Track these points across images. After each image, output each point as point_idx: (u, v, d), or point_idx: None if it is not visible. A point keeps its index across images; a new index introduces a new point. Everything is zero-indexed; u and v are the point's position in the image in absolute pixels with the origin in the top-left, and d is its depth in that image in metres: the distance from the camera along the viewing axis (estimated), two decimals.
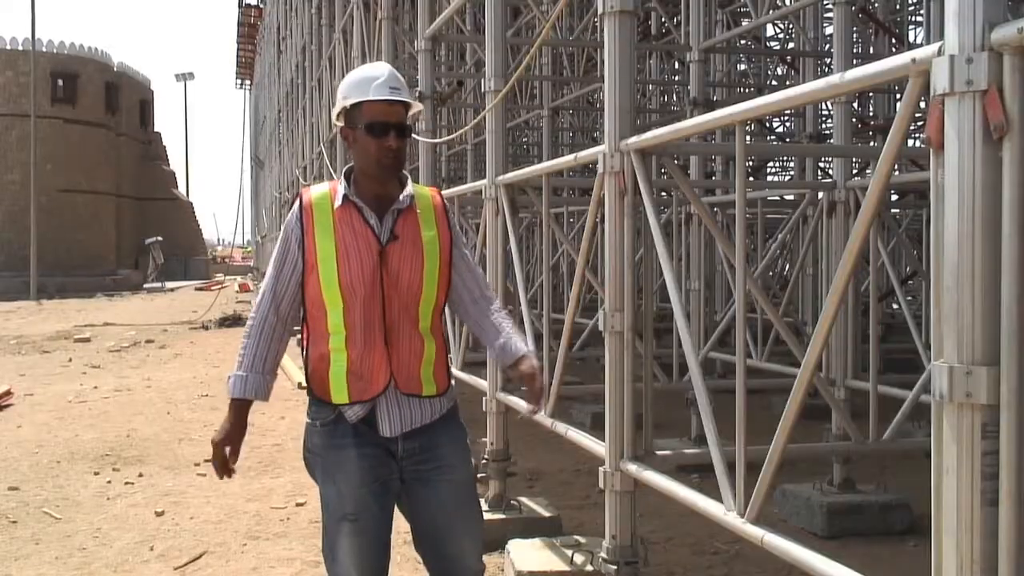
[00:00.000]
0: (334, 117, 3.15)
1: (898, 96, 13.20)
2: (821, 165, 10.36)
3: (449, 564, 3.14)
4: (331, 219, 2.99)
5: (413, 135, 7.51)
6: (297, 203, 3.05)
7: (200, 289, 40.05)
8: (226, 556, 5.50)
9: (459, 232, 3.22)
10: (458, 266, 3.17)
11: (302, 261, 3.01)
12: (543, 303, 5.30)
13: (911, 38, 17.37)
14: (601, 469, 4.12)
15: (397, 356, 2.98)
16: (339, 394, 2.99)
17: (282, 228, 3.08)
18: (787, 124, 18.78)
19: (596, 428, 6.29)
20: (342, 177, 3.08)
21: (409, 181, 3.12)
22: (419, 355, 3.03)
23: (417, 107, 3.13)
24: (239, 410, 3.07)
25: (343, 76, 13.74)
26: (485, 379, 6.02)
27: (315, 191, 3.07)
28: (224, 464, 3.07)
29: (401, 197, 3.03)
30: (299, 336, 3.20)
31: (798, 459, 6.80)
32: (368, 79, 3.03)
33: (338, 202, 3.00)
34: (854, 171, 7.95)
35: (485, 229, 6.09)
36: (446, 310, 3.24)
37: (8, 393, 11.32)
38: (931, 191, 2.21)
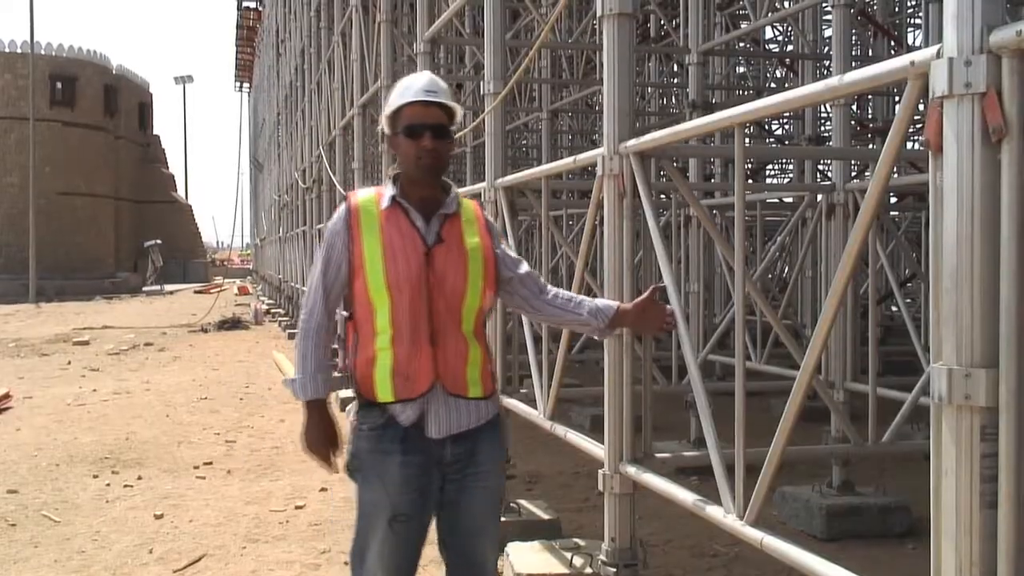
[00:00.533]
0: (384, 128, 3.21)
1: (897, 99, 13.21)
2: (820, 167, 10.36)
3: (475, 570, 3.16)
4: (377, 221, 3.04)
5: None
6: (344, 207, 3.10)
7: (199, 292, 40.08)
8: (225, 559, 5.49)
9: (499, 236, 3.26)
10: (511, 267, 3.21)
11: (347, 264, 3.05)
12: None
13: (910, 40, 17.37)
14: (600, 471, 4.12)
15: (443, 356, 3.01)
16: (384, 392, 3.00)
17: (327, 231, 3.12)
18: (786, 126, 18.78)
19: (595, 430, 6.29)
20: (389, 182, 3.13)
21: (454, 189, 3.16)
22: (464, 357, 3.05)
23: (458, 110, 3.16)
24: (320, 408, 3.12)
25: (342, 79, 13.71)
26: None
27: (361, 195, 3.13)
28: (331, 462, 3.13)
29: (447, 202, 3.08)
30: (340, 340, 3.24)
31: (797, 461, 6.80)
32: (407, 86, 3.11)
33: (385, 204, 3.05)
34: (853, 173, 7.96)
35: None
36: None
37: (7, 396, 11.31)
38: (930, 193, 2.22)
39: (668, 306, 3.38)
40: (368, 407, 3.04)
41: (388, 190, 3.08)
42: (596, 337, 3.58)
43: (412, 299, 2.97)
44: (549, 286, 3.31)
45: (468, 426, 3.06)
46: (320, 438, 3.11)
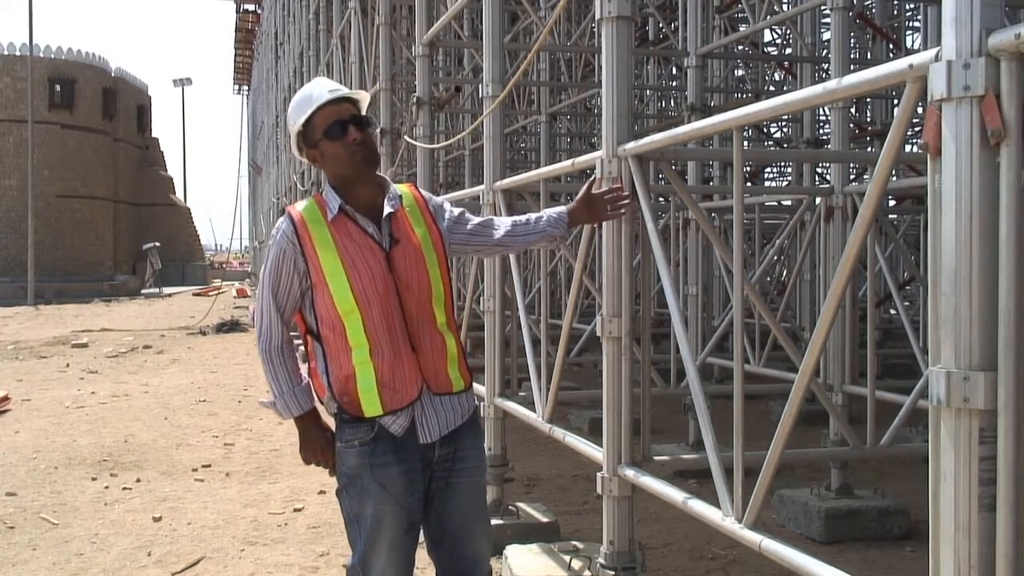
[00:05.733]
0: (295, 152, 3.15)
1: (896, 102, 13.21)
2: (819, 170, 10.36)
3: (467, 566, 3.14)
4: (328, 233, 2.96)
5: (411, 141, 7.52)
6: (287, 221, 3.00)
7: (198, 294, 40.06)
8: (224, 562, 5.49)
9: (440, 210, 3.21)
10: (459, 229, 3.21)
11: (300, 280, 2.98)
12: (541, 308, 5.30)
13: (908, 43, 17.38)
14: (599, 474, 4.12)
15: (424, 358, 2.98)
16: (371, 407, 2.95)
17: (272, 246, 3.02)
18: (785, 129, 18.78)
19: (594, 433, 6.29)
20: (328, 189, 3.04)
21: (391, 184, 3.11)
22: (443, 353, 3.03)
23: (364, 97, 3.11)
24: (309, 419, 3.09)
25: (341, 82, 13.74)
26: (483, 384, 6.02)
27: (302, 207, 3.04)
28: (334, 467, 3.10)
29: (390, 200, 3.03)
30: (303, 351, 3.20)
31: (796, 464, 6.81)
32: (307, 96, 3.05)
33: (332, 214, 2.97)
34: (851, 176, 7.96)
35: None
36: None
37: (6, 399, 11.30)
38: (928, 196, 2.22)
39: (611, 188, 3.53)
40: (355, 422, 2.98)
41: (332, 199, 2.99)
42: (557, 245, 3.70)
43: (384, 309, 2.92)
44: (499, 220, 3.36)
45: (455, 424, 3.05)
46: (317, 447, 3.09)
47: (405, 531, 2.99)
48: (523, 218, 3.35)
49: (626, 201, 3.50)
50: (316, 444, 3.10)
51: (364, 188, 3.02)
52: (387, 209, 3.01)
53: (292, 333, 3.11)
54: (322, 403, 3.09)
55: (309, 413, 3.08)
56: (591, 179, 3.44)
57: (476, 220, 3.29)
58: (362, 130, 3.00)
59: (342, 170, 3.00)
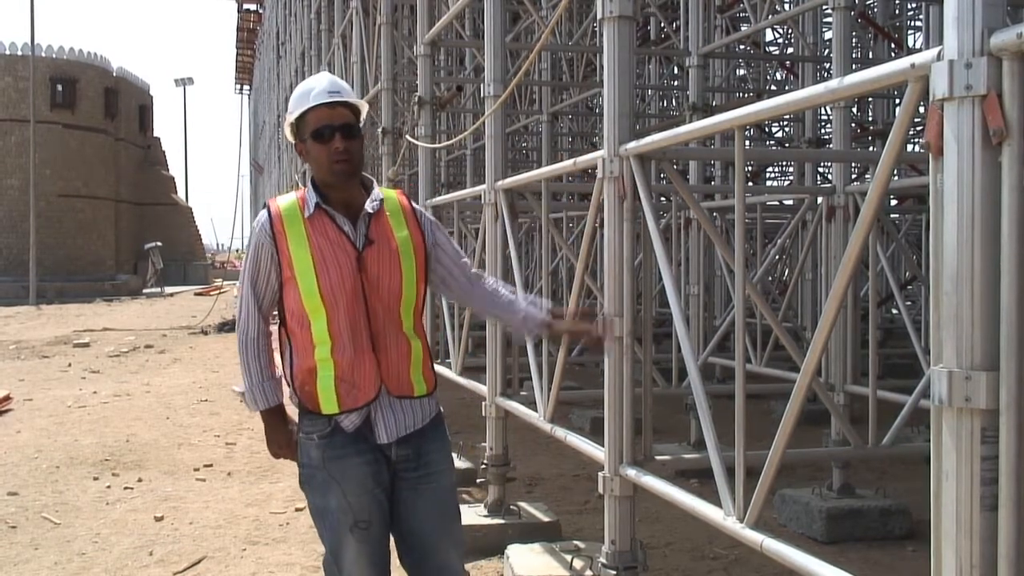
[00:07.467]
0: (288, 137, 3.15)
1: (897, 101, 13.20)
2: (820, 170, 10.36)
3: (434, 573, 3.12)
4: (303, 229, 2.97)
5: (412, 140, 7.52)
6: (265, 213, 3.03)
7: (199, 294, 40.07)
8: (225, 561, 5.49)
9: (432, 225, 3.19)
10: (441, 258, 3.17)
11: (276, 273, 3.00)
12: None
13: (910, 43, 17.37)
14: (600, 474, 4.12)
15: (386, 360, 2.98)
16: (328, 405, 2.98)
17: (251, 239, 3.05)
18: (786, 129, 18.77)
19: (595, 433, 6.29)
20: (310, 186, 3.05)
21: (375, 185, 3.10)
22: (407, 357, 3.03)
23: (363, 106, 3.11)
24: (275, 414, 3.14)
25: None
26: (484, 384, 6.02)
27: (282, 201, 3.05)
28: (296, 459, 3.14)
29: (370, 201, 3.02)
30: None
31: (797, 464, 6.80)
32: (308, 90, 3.04)
33: (309, 211, 2.98)
34: (853, 176, 7.96)
35: (484, 234, 6.10)
36: (435, 302, 3.22)
37: (7, 398, 11.31)
38: (930, 196, 2.22)
39: (597, 321, 3.34)
40: (312, 416, 3.01)
41: (311, 196, 3.00)
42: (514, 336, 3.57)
43: (348, 309, 2.93)
44: (488, 279, 3.32)
45: (415, 427, 3.05)
46: (282, 441, 3.14)
47: (371, 521, 2.99)
48: (509, 296, 3.27)
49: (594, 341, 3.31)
50: (280, 439, 3.15)
51: (344, 191, 3.02)
52: (366, 209, 3.01)
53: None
54: (290, 393, 3.12)
55: (275, 408, 3.12)
56: (597, 318, 3.33)
57: (468, 265, 3.26)
58: (349, 139, 2.99)
59: (322, 174, 3.01)
